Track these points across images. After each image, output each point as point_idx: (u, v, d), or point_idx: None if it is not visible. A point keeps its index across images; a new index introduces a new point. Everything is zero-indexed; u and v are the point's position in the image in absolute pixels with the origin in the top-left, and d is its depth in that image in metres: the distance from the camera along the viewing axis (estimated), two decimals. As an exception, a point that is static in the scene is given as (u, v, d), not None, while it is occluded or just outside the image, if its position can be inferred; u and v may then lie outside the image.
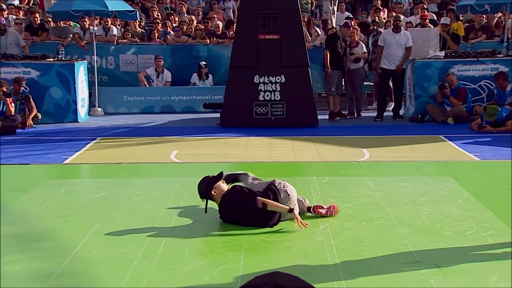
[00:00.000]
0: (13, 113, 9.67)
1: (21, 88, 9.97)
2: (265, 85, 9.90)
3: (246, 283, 1.15)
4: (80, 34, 12.71)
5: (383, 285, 3.67)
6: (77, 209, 5.23)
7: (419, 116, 10.27)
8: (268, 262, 3.98)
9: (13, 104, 9.72)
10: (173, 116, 11.32)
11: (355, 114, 10.82)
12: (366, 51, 11.06)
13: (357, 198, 5.50)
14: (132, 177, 6.48)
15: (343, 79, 10.72)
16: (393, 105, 10.81)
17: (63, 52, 10.94)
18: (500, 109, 9.26)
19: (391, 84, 10.83)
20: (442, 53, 10.61)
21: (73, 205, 5.38)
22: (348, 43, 10.73)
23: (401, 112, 10.93)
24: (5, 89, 9.58)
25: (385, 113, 10.76)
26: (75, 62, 10.71)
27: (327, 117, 10.73)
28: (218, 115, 10.40)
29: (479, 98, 10.39)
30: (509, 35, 12.13)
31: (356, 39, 10.90)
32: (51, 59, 10.62)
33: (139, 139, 9.00)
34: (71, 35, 12.62)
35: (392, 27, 10.70)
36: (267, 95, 9.92)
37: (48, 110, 10.41)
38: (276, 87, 9.90)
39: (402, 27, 10.67)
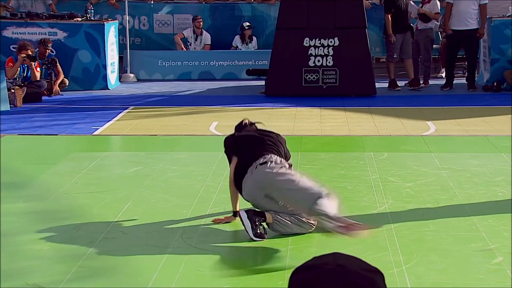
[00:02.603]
0: (38, 79, 9.90)
1: (47, 51, 10.16)
2: (316, 49, 9.80)
3: (304, 263, 1.15)
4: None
5: (451, 275, 3.63)
6: (108, 185, 5.35)
7: (495, 84, 9.99)
8: (319, 247, 3.99)
9: (38, 69, 9.94)
10: (213, 83, 11.37)
11: (422, 82, 10.59)
12: (439, 11, 10.76)
13: (420, 176, 5.43)
14: (168, 150, 6.57)
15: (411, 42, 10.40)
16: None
17: (92, 11, 11.09)
18: None
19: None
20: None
21: (104, 181, 5.50)
22: None
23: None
24: (30, 52, 9.77)
25: (455, 81, 10.51)
26: (105, 23, 10.84)
27: (386, 85, 10.57)
28: (262, 82, 10.38)
29: None
30: None
31: None
32: (79, 19, 10.78)
33: (175, 108, 9.09)
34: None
35: None
36: (318, 61, 9.82)
37: (76, 76, 10.61)
38: (328, 51, 9.78)
39: None
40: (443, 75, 11.00)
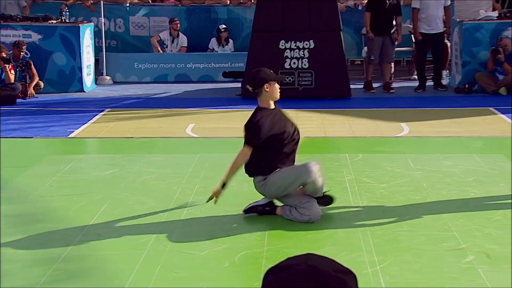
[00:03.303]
0: (12, 81, 9.77)
1: (21, 53, 10.04)
2: (292, 51, 9.83)
3: (276, 264, 1.16)
4: (85, -7, 12.74)
5: (424, 274, 3.67)
6: (84, 188, 5.31)
7: (467, 86, 10.11)
8: (295, 248, 4.00)
9: (12, 71, 9.81)
10: (189, 85, 11.34)
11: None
12: None
13: (394, 177, 5.48)
14: (144, 153, 6.54)
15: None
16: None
17: (67, 13, 10.98)
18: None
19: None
20: (495, 14, 10.38)
21: (80, 183, 5.46)
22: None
23: (446, 81, 10.78)
24: (4, 55, 9.65)
25: (428, 83, 10.63)
26: (80, 25, 10.75)
27: (360, 87, 10.64)
28: (239, 85, 10.38)
29: (536, 65, 10.17)
30: None
31: None
32: (54, 21, 10.67)
33: (152, 111, 9.05)
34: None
35: None
36: (294, 63, 9.85)
37: (51, 78, 10.50)
38: (304, 54, 9.82)
39: None
40: (416, 77, 11.11)
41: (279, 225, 4.43)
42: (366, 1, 12.08)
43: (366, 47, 10.95)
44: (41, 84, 10.25)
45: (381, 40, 10.18)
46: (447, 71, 11.13)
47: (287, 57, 9.84)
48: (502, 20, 10.24)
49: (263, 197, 4.60)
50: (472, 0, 10.62)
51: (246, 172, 4.59)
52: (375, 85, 10.50)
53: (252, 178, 4.58)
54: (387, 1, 10.08)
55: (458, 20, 10.37)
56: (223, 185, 4.46)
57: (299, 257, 1.18)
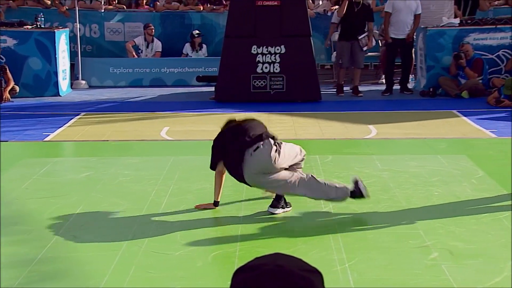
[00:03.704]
0: (-12, 86, 9.60)
1: (-3, 58, 9.89)
2: (264, 56, 9.85)
3: (244, 264, 1.15)
4: (61, -1, 12.61)
5: (390, 270, 3.70)
6: (59, 190, 5.24)
7: (431, 89, 10.24)
8: (267, 247, 4.00)
9: (-12, 76, 9.65)
10: (164, 89, 11.28)
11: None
12: None
13: (362, 178, 5.47)
14: (119, 155, 6.48)
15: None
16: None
17: (42, 19, 10.84)
18: (519, 81, 9.23)
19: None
20: (457, 21, 10.54)
21: (55, 186, 5.38)
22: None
23: (411, 85, 10.90)
24: (-21, 60, 9.49)
25: (395, 87, 10.73)
26: (55, 30, 10.62)
27: (330, 91, 10.70)
28: (212, 89, 10.36)
29: (496, 69, 10.35)
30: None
31: None
32: (29, 27, 10.53)
33: (127, 114, 8.97)
34: (51, 1, 12.52)
35: None
36: (266, 67, 9.87)
37: (27, 83, 10.35)
38: (275, 59, 9.85)
39: None
40: (383, 81, 11.22)
41: (252, 225, 4.43)
42: (336, 7, 12.18)
43: (335, 52, 11.02)
44: (17, 88, 10.10)
45: (349, 45, 10.26)
46: (413, 75, 11.27)
47: (259, 61, 9.85)
48: (464, 26, 10.40)
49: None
50: (435, 8, 10.77)
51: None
52: (344, 89, 10.57)
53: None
54: (355, 7, 10.17)
55: (422, 26, 10.51)
56: (216, 203, 4.69)
57: (267, 256, 1.18)
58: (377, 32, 11.59)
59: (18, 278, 3.56)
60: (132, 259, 3.83)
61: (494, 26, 10.38)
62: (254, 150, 4.39)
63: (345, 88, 10.53)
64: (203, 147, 7.00)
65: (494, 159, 6.17)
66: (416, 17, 10.33)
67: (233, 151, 4.48)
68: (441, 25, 10.48)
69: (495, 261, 3.77)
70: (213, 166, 4.66)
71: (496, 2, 12.38)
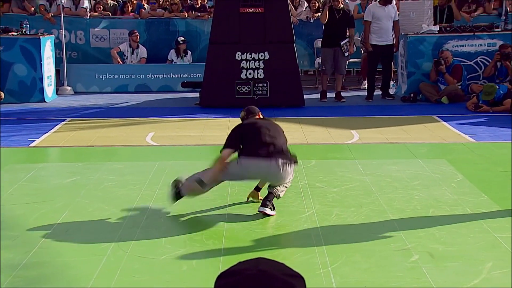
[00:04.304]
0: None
1: (-18, 65, 9.79)
2: (248, 62, 9.86)
3: (227, 269, 1.15)
4: (46, 6, 12.51)
5: (373, 273, 3.71)
6: (45, 196, 5.19)
7: (412, 95, 10.32)
8: (251, 251, 4.00)
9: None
10: (149, 95, 11.24)
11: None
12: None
13: (345, 182, 5.53)
14: (104, 161, 6.44)
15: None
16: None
17: (28, 25, 10.77)
18: (497, 87, 9.33)
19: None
20: (436, 28, 10.64)
21: (41, 191, 5.33)
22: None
23: (393, 91, 10.97)
24: (-36, 66, 9.39)
25: (377, 93, 10.79)
26: (41, 37, 10.55)
27: (313, 96, 10.73)
28: (197, 94, 10.35)
29: (475, 75, 10.46)
30: (508, 8, 12.20)
31: None
32: (14, 33, 10.45)
33: (112, 120, 8.93)
34: (35, 7, 12.43)
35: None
36: (250, 73, 9.88)
37: (12, 89, 10.26)
38: (259, 65, 9.86)
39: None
40: (365, 87, 11.29)
41: (237, 230, 4.42)
42: (318, 14, 12.24)
43: (319, 58, 11.06)
44: (2, 94, 10.01)
45: (331, 51, 10.31)
46: (394, 81, 11.34)
47: (243, 67, 9.86)
48: (443, 34, 10.50)
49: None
50: (415, 15, 10.86)
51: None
52: (328, 94, 10.61)
53: None
54: (337, 14, 10.23)
55: (403, 33, 10.59)
56: (201, 183, 4.64)
57: (250, 261, 1.17)
58: (358, 38, 11.66)
59: (3, 283, 3.52)
60: (118, 263, 3.81)
61: (472, 33, 10.50)
62: (274, 163, 4.54)
63: (328, 94, 10.57)
64: (188, 152, 7.00)
65: (473, 163, 6.23)
66: (395, 23, 10.43)
67: (250, 149, 4.57)
68: (421, 32, 10.57)
69: (474, 263, 3.81)
70: (224, 151, 4.60)
71: (475, 14, 12.52)
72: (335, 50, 10.26)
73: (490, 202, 4.92)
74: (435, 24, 10.97)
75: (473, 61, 10.50)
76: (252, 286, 1.12)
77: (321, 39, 10.80)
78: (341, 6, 10.27)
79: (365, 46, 10.80)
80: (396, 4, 10.67)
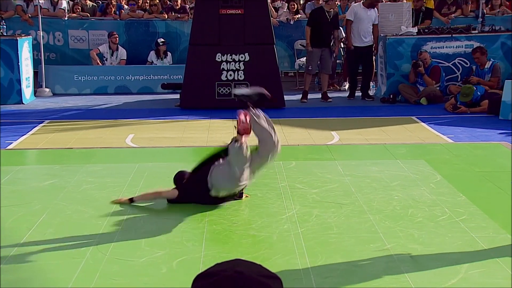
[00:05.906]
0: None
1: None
2: (228, 64, 9.85)
3: (204, 270, 1.14)
4: (23, 7, 12.38)
5: (352, 273, 3.72)
6: (22, 198, 5.13)
7: (391, 96, 10.40)
8: (232, 252, 3.99)
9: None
10: (129, 97, 11.18)
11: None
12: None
13: (325, 183, 5.55)
14: (83, 163, 6.38)
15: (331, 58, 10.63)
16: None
17: (4, 26, 10.64)
18: (475, 88, 9.44)
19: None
20: (415, 29, 10.74)
21: (18, 194, 5.27)
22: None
23: (372, 92, 11.05)
24: None
25: (358, 94, 10.87)
26: (18, 38, 10.44)
27: (294, 98, 10.76)
28: (177, 96, 10.31)
29: (453, 77, 10.57)
30: (484, 11, 12.35)
31: None
32: (-9, 34, 10.33)
33: (92, 122, 8.86)
34: (13, 8, 12.29)
35: (363, 1, 10.74)
36: (230, 75, 9.87)
37: (-11, 91, 10.13)
38: (239, 66, 9.86)
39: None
40: (346, 87, 11.35)
41: (217, 231, 4.41)
42: (298, 16, 12.30)
43: (299, 59, 11.10)
44: (-21, 96, 9.87)
45: (319, 52, 10.38)
46: (373, 82, 11.42)
47: (223, 69, 9.85)
48: (421, 35, 10.60)
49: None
50: (394, 17, 10.95)
51: None
52: (314, 96, 10.65)
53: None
54: (328, 16, 10.30)
55: (382, 35, 10.68)
56: (131, 200, 4.95)
57: (227, 262, 1.17)
58: (342, 38, 11.73)
59: (-21, 288, 3.47)
60: (97, 266, 3.78)
61: (450, 35, 10.61)
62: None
63: (314, 95, 10.62)
64: (168, 154, 6.97)
65: (451, 164, 6.29)
66: (375, 26, 10.55)
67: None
68: (400, 34, 10.66)
69: (452, 263, 3.84)
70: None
71: (452, 15, 12.65)
72: (323, 50, 10.35)
73: (467, 202, 4.97)
74: (413, 26, 11.08)
75: (451, 63, 10.61)
76: (229, 287, 1.12)
77: (300, 41, 10.86)
78: (336, 9, 10.46)
79: (347, 45, 10.88)
80: (375, 6, 10.76)
